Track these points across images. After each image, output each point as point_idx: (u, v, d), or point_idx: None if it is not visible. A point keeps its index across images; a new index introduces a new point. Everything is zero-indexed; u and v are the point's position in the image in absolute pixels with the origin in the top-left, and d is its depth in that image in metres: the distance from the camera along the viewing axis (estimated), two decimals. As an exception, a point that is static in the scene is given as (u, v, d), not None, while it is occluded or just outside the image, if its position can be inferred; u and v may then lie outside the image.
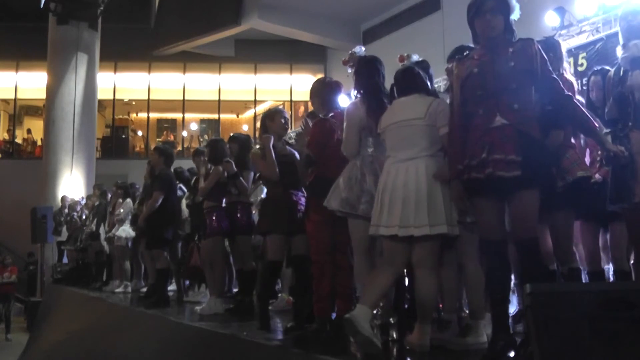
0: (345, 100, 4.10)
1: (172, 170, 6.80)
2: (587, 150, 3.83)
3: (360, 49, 3.79)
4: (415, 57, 3.66)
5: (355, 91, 3.64)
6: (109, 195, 9.24)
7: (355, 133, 3.48)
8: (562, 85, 2.94)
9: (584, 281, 3.73)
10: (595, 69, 4.08)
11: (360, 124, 3.46)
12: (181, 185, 7.14)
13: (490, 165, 2.76)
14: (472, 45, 3.12)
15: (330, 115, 3.87)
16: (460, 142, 2.90)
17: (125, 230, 8.08)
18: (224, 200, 5.50)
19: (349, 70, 3.73)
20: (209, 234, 5.50)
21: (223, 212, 5.45)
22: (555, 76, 2.95)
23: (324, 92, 3.99)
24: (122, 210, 8.30)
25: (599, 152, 3.68)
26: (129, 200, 8.28)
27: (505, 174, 2.73)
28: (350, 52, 3.74)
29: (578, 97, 3.72)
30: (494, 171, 2.75)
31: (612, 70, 3.50)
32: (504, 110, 2.80)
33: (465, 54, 3.10)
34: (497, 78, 2.83)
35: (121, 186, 8.65)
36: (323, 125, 3.84)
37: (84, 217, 10.37)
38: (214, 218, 5.44)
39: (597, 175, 3.59)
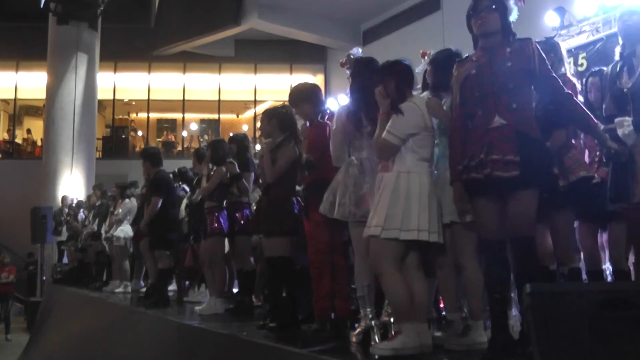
0: (344, 101, 4.12)
1: (165, 170, 6.80)
2: (586, 151, 3.84)
3: (357, 51, 3.79)
4: None
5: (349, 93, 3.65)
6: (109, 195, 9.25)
7: (341, 138, 3.48)
8: (561, 84, 2.95)
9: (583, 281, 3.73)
10: (593, 70, 4.09)
11: (344, 129, 3.46)
12: (184, 186, 7.14)
13: (489, 165, 2.77)
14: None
15: (326, 117, 3.90)
16: (461, 144, 2.92)
17: (124, 231, 8.08)
18: (225, 201, 5.52)
19: (348, 72, 3.74)
20: (209, 234, 5.50)
21: (224, 213, 5.46)
22: (554, 75, 2.96)
23: (312, 96, 4.01)
24: (120, 211, 8.31)
25: (597, 153, 3.68)
26: (127, 200, 8.27)
27: (503, 174, 2.74)
28: (347, 53, 3.75)
29: (580, 97, 3.73)
30: (492, 171, 2.76)
31: (609, 67, 3.50)
32: (503, 110, 2.81)
33: (465, 56, 3.10)
34: (494, 79, 2.84)
35: (120, 186, 8.65)
36: (322, 128, 3.85)
37: (82, 216, 10.36)
38: (214, 218, 5.44)
39: (596, 175, 3.59)
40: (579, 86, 3.73)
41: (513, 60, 2.84)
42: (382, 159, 3.17)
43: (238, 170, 5.34)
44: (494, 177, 2.76)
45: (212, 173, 5.51)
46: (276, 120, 4.40)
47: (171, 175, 7.07)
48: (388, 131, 3.07)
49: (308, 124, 4.06)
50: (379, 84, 3.21)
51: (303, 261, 4.25)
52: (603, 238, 4.07)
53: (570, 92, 3.03)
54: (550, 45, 3.62)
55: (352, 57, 3.70)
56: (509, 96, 2.82)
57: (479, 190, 2.85)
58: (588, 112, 3.05)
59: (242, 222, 5.32)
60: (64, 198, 12.55)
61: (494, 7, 2.90)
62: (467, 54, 3.10)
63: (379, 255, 3.00)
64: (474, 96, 2.88)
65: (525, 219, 2.81)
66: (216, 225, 5.43)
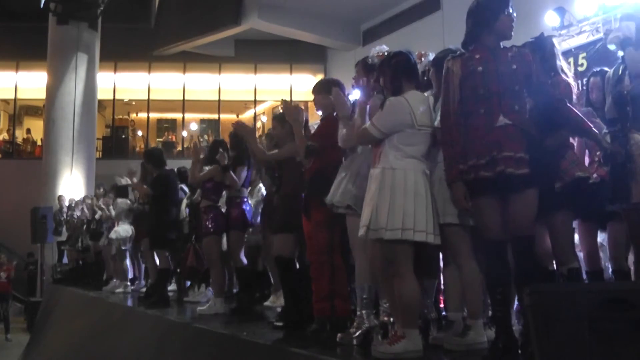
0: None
1: (171, 169, 6.82)
2: (587, 151, 3.84)
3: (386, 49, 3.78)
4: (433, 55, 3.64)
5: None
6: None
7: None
8: (553, 90, 2.99)
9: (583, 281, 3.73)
10: (595, 70, 4.10)
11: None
12: (182, 186, 7.14)
13: (502, 163, 2.77)
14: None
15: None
16: (460, 142, 2.89)
17: (116, 231, 8.07)
18: (220, 199, 5.55)
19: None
20: (204, 234, 5.52)
21: (218, 212, 5.47)
22: (547, 82, 3.01)
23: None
24: (114, 211, 8.29)
25: (598, 153, 3.68)
26: (120, 200, 8.25)
27: (515, 172, 2.76)
28: (385, 52, 3.70)
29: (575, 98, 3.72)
30: (505, 168, 2.76)
31: (611, 70, 3.52)
32: (507, 110, 2.84)
33: (458, 52, 3.08)
34: (500, 78, 2.86)
35: (115, 187, 8.64)
36: (334, 124, 3.82)
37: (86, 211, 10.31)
38: (208, 218, 5.45)
39: (594, 175, 3.59)
40: (575, 86, 3.71)
41: (517, 63, 2.89)
42: (359, 144, 3.32)
43: (225, 162, 5.32)
44: (506, 174, 2.76)
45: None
46: (290, 126, 4.42)
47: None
48: (372, 122, 3.06)
49: (321, 114, 4.05)
50: (378, 75, 3.21)
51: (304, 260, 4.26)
52: (602, 238, 4.07)
53: (562, 97, 3.06)
54: (537, 45, 3.58)
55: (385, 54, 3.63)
56: (513, 98, 2.85)
57: (485, 190, 2.84)
58: (582, 116, 3.09)
59: (236, 217, 5.32)
60: (59, 198, 12.56)
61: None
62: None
63: (392, 258, 2.95)
64: (478, 93, 2.87)
65: (528, 218, 2.84)
66: (210, 224, 5.44)
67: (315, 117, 4.51)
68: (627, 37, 3.33)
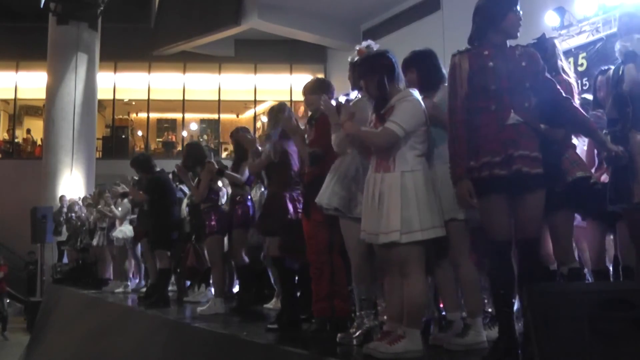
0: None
1: (162, 170, 6.86)
2: (594, 150, 3.83)
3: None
4: None
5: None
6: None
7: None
8: (559, 88, 2.97)
9: (585, 281, 3.73)
10: (602, 68, 4.06)
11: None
12: (182, 187, 7.14)
13: (518, 161, 2.75)
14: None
15: None
16: (465, 139, 2.86)
17: (122, 231, 8.07)
18: (222, 200, 5.56)
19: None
20: (207, 234, 5.53)
21: (221, 212, 5.48)
22: (553, 79, 3.00)
23: (328, 90, 4.01)
24: (119, 210, 8.31)
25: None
26: (125, 200, 8.27)
27: (531, 171, 2.75)
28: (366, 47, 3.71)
29: (581, 96, 3.72)
30: (521, 167, 2.75)
31: (611, 71, 3.51)
32: (517, 108, 2.82)
33: (465, 48, 3.06)
34: (511, 75, 2.85)
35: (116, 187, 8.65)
36: (328, 124, 3.82)
37: (83, 215, 10.33)
38: (212, 218, 5.46)
39: (603, 175, 3.58)
40: (576, 86, 3.71)
41: (526, 61, 2.88)
42: (384, 146, 3.03)
43: (217, 167, 5.35)
44: (523, 173, 2.75)
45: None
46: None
47: (170, 176, 7.08)
48: (393, 121, 2.98)
49: (310, 114, 4.06)
50: (361, 79, 3.20)
51: (291, 263, 4.27)
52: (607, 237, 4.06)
53: (568, 96, 3.05)
54: (539, 45, 3.58)
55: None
56: (524, 95, 2.85)
57: (496, 188, 2.80)
58: (587, 116, 3.08)
59: (239, 216, 5.33)
60: (62, 198, 12.57)
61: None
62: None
63: (407, 260, 2.94)
64: (489, 89, 2.84)
65: (536, 219, 2.85)
66: (213, 224, 5.46)
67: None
68: (633, 52, 3.29)
